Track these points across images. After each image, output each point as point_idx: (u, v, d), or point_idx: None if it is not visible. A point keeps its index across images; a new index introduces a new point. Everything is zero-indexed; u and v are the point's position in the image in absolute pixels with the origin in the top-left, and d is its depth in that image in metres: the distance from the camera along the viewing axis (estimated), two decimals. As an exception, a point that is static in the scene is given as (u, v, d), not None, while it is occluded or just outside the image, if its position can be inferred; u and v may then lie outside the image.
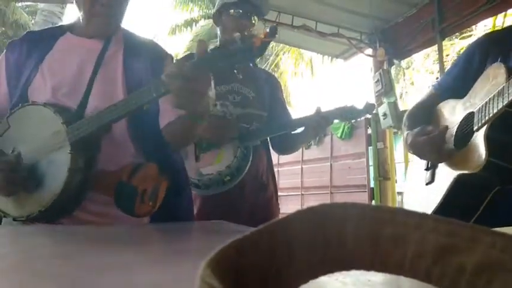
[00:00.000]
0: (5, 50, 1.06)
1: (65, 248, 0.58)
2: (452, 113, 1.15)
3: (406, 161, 4.03)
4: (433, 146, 1.08)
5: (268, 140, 1.62)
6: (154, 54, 1.09)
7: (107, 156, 0.94)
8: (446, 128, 1.08)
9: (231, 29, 1.50)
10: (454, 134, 1.09)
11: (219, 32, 1.56)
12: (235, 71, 0.85)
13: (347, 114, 1.49)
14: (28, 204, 0.89)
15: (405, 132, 1.22)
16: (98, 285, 0.33)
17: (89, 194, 0.92)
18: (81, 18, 1.04)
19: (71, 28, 1.08)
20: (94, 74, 0.99)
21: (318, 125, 1.45)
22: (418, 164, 1.25)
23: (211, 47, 0.82)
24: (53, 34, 1.07)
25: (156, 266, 0.42)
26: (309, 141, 1.59)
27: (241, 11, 1.48)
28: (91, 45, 1.04)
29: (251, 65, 1.65)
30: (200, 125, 0.97)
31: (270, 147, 1.67)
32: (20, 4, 14.55)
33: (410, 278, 0.21)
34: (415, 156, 1.21)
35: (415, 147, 1.14)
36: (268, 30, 0.80)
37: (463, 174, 1.00)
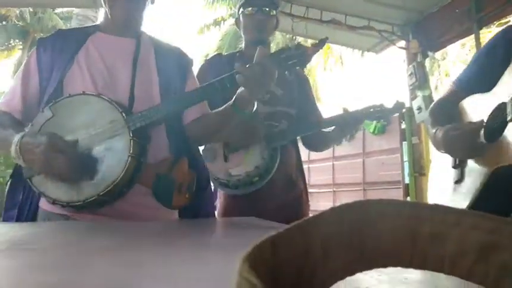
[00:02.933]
0: (35, 46, 1.10)
1: (102, 243, 0.60)
2: (478, 107, 1.10)
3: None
4: (467, 142, 1.04)
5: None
6: (181, 59, 1.17)
7: (148, 150, 0.99)
8: (482, 122, 1.04)
9: (250, 28, 1.51)
10: (484, 127, 1.04)
11: (242, 34, 1.58)
12: (286, 72, 0.99)
13: (376, 113, 1.47)
14: (85, 189, 0.91)
15: (432, 129, 1.18)
16: (137, 279, 0.34)
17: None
18: (107, 13, 1.09)
19: (100, 27, 1.13)
20: (134, 72, 1.04)
21: (347, 125, 1.44)
22: (442, 162, 1.20)
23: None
24: (83, 32, 1.12)
25: (192, 261, 0.43)
26: (339, 141, 1.56)
27: (254, 7, 1.49)
28: (124, 43, 1.09)
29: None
30: (237, 119, 1.07)
31: (300, 144, 1.66)
32: (56, 11, 15.18)
33: (450, 276, 0.21)
34: (439, 153, 1.17)
35: (447, 143, 1.10)
36: (318, 41, 0.98)
37: (501, 166, 0.96)
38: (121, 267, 0.40)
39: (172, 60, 1.14)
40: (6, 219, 1.00)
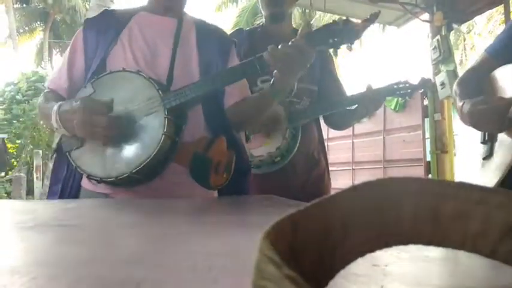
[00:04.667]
0: (81, 27, 1.13)
1: (132, 219, 0.63)
2: (511, 78, 1.05)
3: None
4: (495, 115, 1.00)
5: None
6: (223, 40, 1.17)
7: (185, 129, 0.98)
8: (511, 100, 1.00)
9: (267, 2, 1.48)
10: None
11: (261, 9, 1.55)
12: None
13: (401, 90, 1.43)
14: (118, 165, 0.92)
15: (459, 102, 1.14)
16: (158, 254, 0.35)
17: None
18: None
19: (145, 8, 1.14)
20: (174, 51, 1.05)
21: (371, 102, 1.40)
22: (470, 137, 1.16)
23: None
24: (128, 12, 1.14)
25: (212, 237, 0.44)
26: (362, 118, 1.53)
27: None
28: (165, 22, 1.10)
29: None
30: (275, 103, 1.05)
31: (322, 122, 1.64)
32: (75, -10, 15.25)
33: (472, 254, 0.20)
34: (467, 128, 1.13)
35: (474, 117, 1.06)
36: (369, 15, 0.92)
37: None
38: (145, 242, 0.42)
39: (214, 40, 1.14)
40: (50, 194, 1.05)
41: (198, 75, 1.05)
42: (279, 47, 0.92)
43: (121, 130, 0.92)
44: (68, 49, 1.11)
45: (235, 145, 1.06)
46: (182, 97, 0.93)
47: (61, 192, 1.02)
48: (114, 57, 1.04)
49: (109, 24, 1.09)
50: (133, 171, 0.89)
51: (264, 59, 0.92)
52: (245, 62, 0.96)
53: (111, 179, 0.91)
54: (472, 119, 1.07)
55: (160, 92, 0.93)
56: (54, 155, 1.07)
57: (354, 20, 0.91)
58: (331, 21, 0.93)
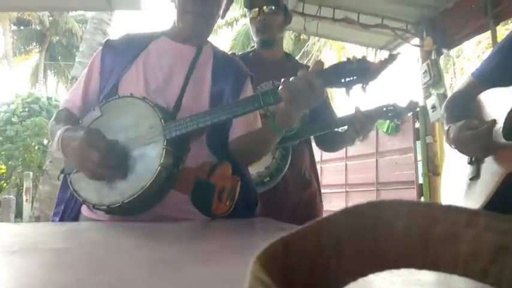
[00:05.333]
0: (101, 47, 1.13)
1: (122, 244, 0.62)
2: (497, 103, 1.07)
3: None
4: (480, 142, 1.02)
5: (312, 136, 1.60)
6: (239, 72, 1.14)
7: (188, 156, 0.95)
8: (495, 122, 1.01)
9: (254, 30, 1.52)
10: (502, 125, 1.02)
11: (252, 34, 1.59)
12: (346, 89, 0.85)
13: (389, 113, 1.44)
14: (112, 194, 0.89)
15: (446, 126, 1.16)
16: (147, 280, 0.34)
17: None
18: (175, 19, 1.10)
19: (166, 33, 1.14)
20: (187, 79, 1.04)
21: (360, 124, 1.41)
22: (457, 157, 1.18)
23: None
24: (148, 36, 1.13)
25: (203, 262, 0.44)
26: (352, 141, 1.52)
27: (255, 8, 1.49)
28: (184, 50, 1.10)
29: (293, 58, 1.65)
30: (277, 139, 1.01)
31: (313, 144, 1.65)
32: (71, 14, 15.46)
33: (464, 278, 0.20)
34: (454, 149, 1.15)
35: (460, 143, 1.08)
36: (387, 56, 0.83)
37: None
38: (134, 267, 0.41)
39: (230, 72, 1.12)
40: (55, 214, 1.04)
41: (208, 105, 1.03)
42: (291, 79, 0.86)
43: (112, 168, 0.89)
44: (87, 67, 1.12)
45: (240, 174, 1.02)
46: (183, 128, 0.89)
47: (63, 213, 1.01)
48: (126, 81, 1.04)
49: (128, 47, 1.09)
50: (126, 201, 0.86)
51: (269, 93, 0.88)
52: (249, 97, 0.93)
53: (104, 207, 0.89)
54: (457, 145, 1.09)
55: (163, 121, 0.90)
56: (61, 175, 1.06)
57: (369, 60, 0.84)
58: (344, 59, 0.86)
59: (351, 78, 0.82)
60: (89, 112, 1.00)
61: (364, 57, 0.83)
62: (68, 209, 1.01)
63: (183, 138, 0.91)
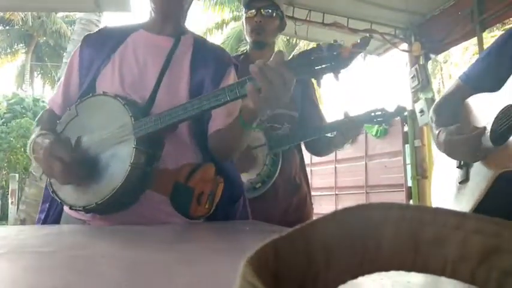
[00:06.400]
0: (80, 43, 1.10)
1: (109, 247, 0.61)
2: (484, 107, 1.09)
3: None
4: (470, 147, 1.04)
5: None
6: (220, 59, 1.09)
7: (167, 154, 0.94)
8: (485, 128, 1.03)
9: (249, 30, 1.52)
10: (490, 129, 1.04)
11: (245, 35, 1.59)
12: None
13: (377, 117, 1.46)
14: (87, 195, 0.89)
15: (435, 130, 1.17)
16: (138, 282, 0.34)
17: (146, 191, 0.92)
18: (151, 11, 1.07)
19: (143, 25, 1.10)
20: (163, 72, 1.00)
21: (348, 129, 1.42)
22: (446, 161, 1.19)
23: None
24: (126, 29, 1.10)
25: (192, 265, 0.43)
26: (341, 145, 1.53)
27: (253, 10, 1.49)
28: (160, 41, 1.06)
29: None
30: (248, 134, 0.96)
31: (303, 148, 1.66)
32: (59, 15, 15.29)
33: (452, 280, 0.21)
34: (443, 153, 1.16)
35: (449, 147, 1.09)
36: (359, 40, 0.75)
37: (507, 171, 0.95)
38: (120, 270, 0.41)
39: (211, 60, 1.06)
40: (41, 211, 1.03)
41: (186, 97, 0.98)
42: (267, 64, 0.78)
43: (77, 176, 0.89)
44: (67, 65, 1.10)
45: (225, 170, 1.01)
46: (154, 125, 0.86)
47: (47, 211, 1.01)
48: (103, 77, 1.01)
49: (105, 42, 1.06)
50: (99, 202, 0.86)
51: (235, 86, 0.82)
52: (223, 88, 0.84)
53: (79, 208, 0.89)
54: (447, 149, 1.11)
55: (133, 119, 0.88)
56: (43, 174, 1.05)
57: (341, 44, 0.75)
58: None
59: (322, 66, 0.75)
60: (66, 112, 0.99)
61: (335, 42, 0.75)
62: (53, 207, 1.01)
63: (154, 135, 0.89)
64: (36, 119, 1.09)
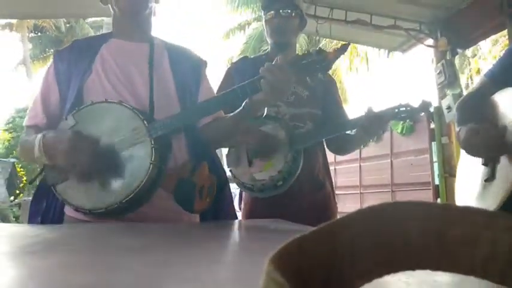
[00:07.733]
0: (52, 59, 1.12)
1: (129, 244, 0.62)
2: (510, 103, 1.06)
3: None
4: (490, 147, 1.01)
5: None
6: (194, 61, 1.18)
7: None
8: (505, 128, 1.00)
9: (270, 32, 1.52)
10: None
11: (266, 36, 1.59)
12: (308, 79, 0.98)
13: (402, 113, 1.41)
14: (106, 196, 0.92)
15: (457, 128, 1.15)
16: (166, 279, 0.35)
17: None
18: (115, 13, 1.10)
19: (112, 34, 1.14)
20: (151, 77, 1.05)
21: (372, 126, 1.38)
22: (471, 159, 1.16)
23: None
24: (98, 40, 1.14)
25: (218, 263, 0.44)
26: (365, 142, 1.50)
27: (272, 11, 1.49)
28: (137, 48, 1.10)
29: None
30: (246, 123, 1.08)
31: (325, 146, 1.64)
32: (87, 20, 15.76)
33: (482, 279, 0.20)
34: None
35: (470, 147, 1.07)
36: (340, 46, 0.96)
37: None
38: (150, 267, 0.42)
39: (186, 62, 1.15)
40: (33, 215, 1.04)
41: (177, 99, 1.07)
42: (271, 72, 0.93)
43: (101, 169, 0.92)
44: (40, 84, 1.10)
45: (214, 167, 1.09)
46: (168, 127, 0.96)
47: (46, 213, 1.02)
48: (91, 87, 1.04)
49: (80, 54, 1.09)
50: (123, 200, 0.90)
51: (246, 86, 0.96)
52: (228, 92, 1.00)
53: (101, 210, 0.92)
54: (466, 148, 1.08)
55: (145, 122, 0.95)
56: (33, 191, 1.07)
57: (325, 50, 0.97)
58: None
59: (313, 66, 0.95)
60: (62, 121, 1.00)
61: (320, 48, 0.96)
62: (48, 219, 1.01)
63: (166, 136, 0.97)
64: (23, 134, 1.09)
